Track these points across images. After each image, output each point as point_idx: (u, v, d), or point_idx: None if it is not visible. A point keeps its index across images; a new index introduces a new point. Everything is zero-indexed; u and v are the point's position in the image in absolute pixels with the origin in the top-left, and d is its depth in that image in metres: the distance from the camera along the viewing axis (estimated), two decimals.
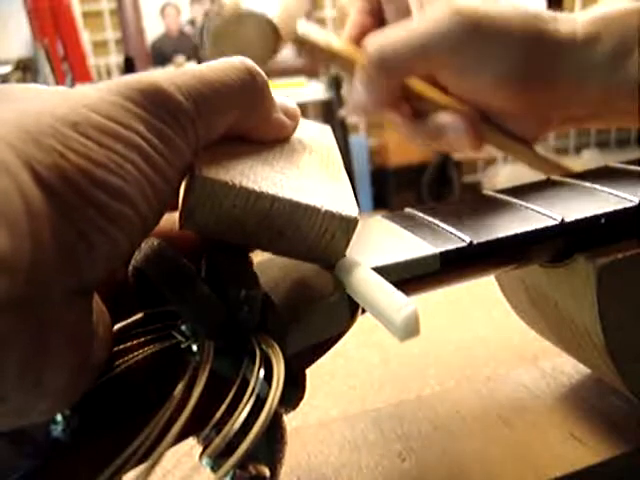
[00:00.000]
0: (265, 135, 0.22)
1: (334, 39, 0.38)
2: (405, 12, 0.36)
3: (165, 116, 0.17)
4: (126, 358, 0.18)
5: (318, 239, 0.19)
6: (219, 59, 0.20)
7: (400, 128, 0.38)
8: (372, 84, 0.34)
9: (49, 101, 0.15)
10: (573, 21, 0.32)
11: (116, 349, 0.18)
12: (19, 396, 0.14)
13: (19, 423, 0.15)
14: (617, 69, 0.31)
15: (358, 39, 0.37)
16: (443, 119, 0.35)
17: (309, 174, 0.21)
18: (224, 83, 0.19)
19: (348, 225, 0.19)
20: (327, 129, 0.28)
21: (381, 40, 0.33)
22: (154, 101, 0.17)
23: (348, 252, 0.20)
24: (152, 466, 0.14)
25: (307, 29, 0.37)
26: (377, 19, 0.38)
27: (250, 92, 0.20)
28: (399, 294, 0.17)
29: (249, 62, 0.20)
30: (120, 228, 0.15)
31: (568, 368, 0.34)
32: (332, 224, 0.19)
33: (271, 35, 0.35)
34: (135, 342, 0.18)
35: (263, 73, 0.21)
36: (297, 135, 0.24)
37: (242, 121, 0.20)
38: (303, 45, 0.37)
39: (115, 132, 0.15)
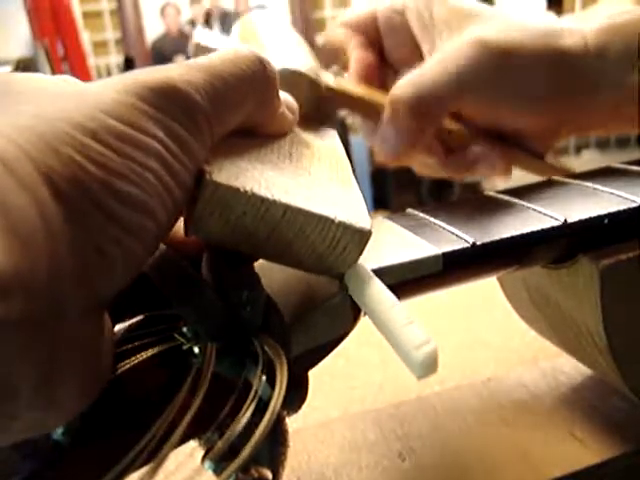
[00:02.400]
0: (271, 130, 0.21)
1: (349, 84, 0.36)
2: (408, 42, 0.36)
3: (182, 118, 0.16)
4: (128, 360, 0.18)
5: (329, 251, 0.18)
6: (228, 49, 0.19)
7: (429, 167, 0.38)
8: (405, 130, 0.33)
9: (63, 104, 0.15)
10: (582, 33, 0.32)
11: (118, 351, 0.18)
12: (31, 415, 0.13)
13: (26, 437, 0.15)
14: (624, 77, 0.31)
15: (364, 76, 0.36)
16: (475, 153, 0.35)
17: (320, 181, 0.20)
18: (237, 76, 0.18)
19: (361, 237, 0.18)
20: (333, 133, 0.27)
21: (412, 85, 0.32)
22: (171, 102, 0.16)
23: None
24: (155, 469, 0.14)
25: (326, 77, 0.35)
26: (377, 52, 0.37)
27: (262, 84, 0.19)
28: (417, 327, 0.16)
29: (259, 53, 0.20)
30: (139, 240, 0.15)
31: (568, 368, 0.34)
32: (345, 236, 0.18)
33: (314, 93, 0.32)
34: (137, 344, 0.18)
35: (274, 65, 0.20)
36: (305, 139, 0.23)
37: (253, 115, 0.20)
38: (323, 95, 0.34)
39: (134, 139, 0.15)
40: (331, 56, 0.39)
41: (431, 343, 0.16)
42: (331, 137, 0.26)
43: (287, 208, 0.17)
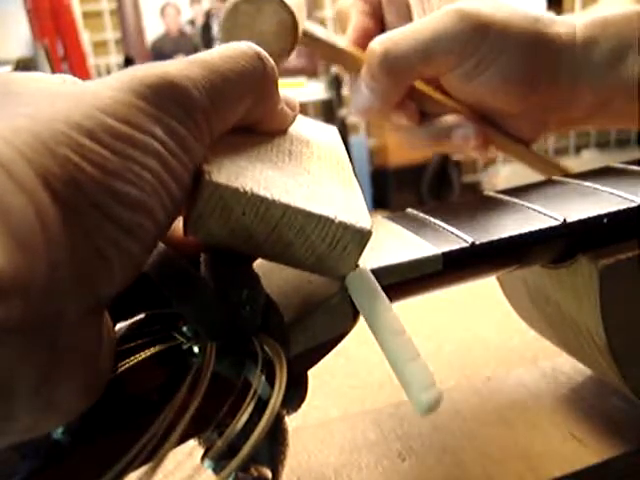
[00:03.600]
0: (270, 127, 0.21)
1: (338, 39, 0.37)
2: (406, 15, 0.37)
3: (180, 115, 0.16)
4: (128, 360, 0.18)
5: (329, 251, 0.18)
6: (227, 44, 0.19)
7: (403, 131, 0.38)
8: (377, 86, 0.34)
9: (60, 104, 0.14)
10: (572, 24, 0.32)
11: (118, 350, 0.18)
12: (30, 416, 0.13)
13: (25, 438, 0.14)
14: (613, 71, 0.32)
15: (360, 41, 0.37)
16: (451, 121, 0.35)
17: (320, 181, 0.20)
18: (236, 72, 0.18)
19: (362, 238, 0.18)
20: (334, 130, 0.27)
21: (386, 42, 0.33)
22: (169, 99, 0.16)
23: None
24: (154, 468, 0.14)
25: (313, 27, 0.36)
26: (378, 21, 0.38)
27: (261, 80, 0.19)
28: (423, 365, 0.17)
29: (258, 48, 0.19)
30: (138, 241, 0.14)
31: (568, 368, 0.34)
32: (345, 236, 0.18)
33: (291, 27, 0.32)
34: (137, 343, 0.18)
35: (272, 60, 0.20)
36: (304, 136, 0.23)
37: (252, 111, 0.20)
38: (308, 43, 0.36)
39: (132, 138, 0.14)
40: (340, 23, 0.40)
41: (436, 387, 0.17)
42: (332, 135, 0.26)
43: (287, 208, 0.17)
